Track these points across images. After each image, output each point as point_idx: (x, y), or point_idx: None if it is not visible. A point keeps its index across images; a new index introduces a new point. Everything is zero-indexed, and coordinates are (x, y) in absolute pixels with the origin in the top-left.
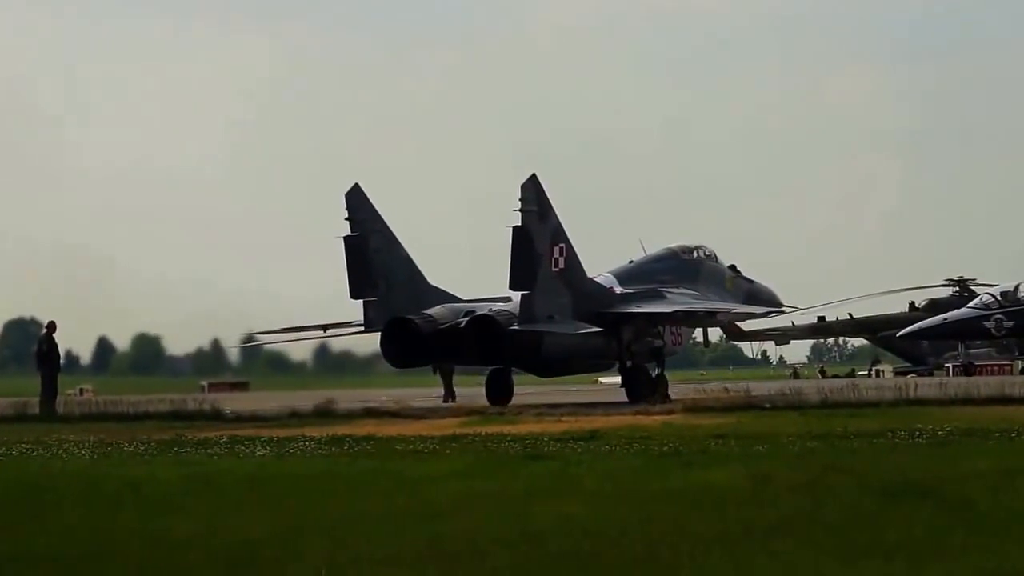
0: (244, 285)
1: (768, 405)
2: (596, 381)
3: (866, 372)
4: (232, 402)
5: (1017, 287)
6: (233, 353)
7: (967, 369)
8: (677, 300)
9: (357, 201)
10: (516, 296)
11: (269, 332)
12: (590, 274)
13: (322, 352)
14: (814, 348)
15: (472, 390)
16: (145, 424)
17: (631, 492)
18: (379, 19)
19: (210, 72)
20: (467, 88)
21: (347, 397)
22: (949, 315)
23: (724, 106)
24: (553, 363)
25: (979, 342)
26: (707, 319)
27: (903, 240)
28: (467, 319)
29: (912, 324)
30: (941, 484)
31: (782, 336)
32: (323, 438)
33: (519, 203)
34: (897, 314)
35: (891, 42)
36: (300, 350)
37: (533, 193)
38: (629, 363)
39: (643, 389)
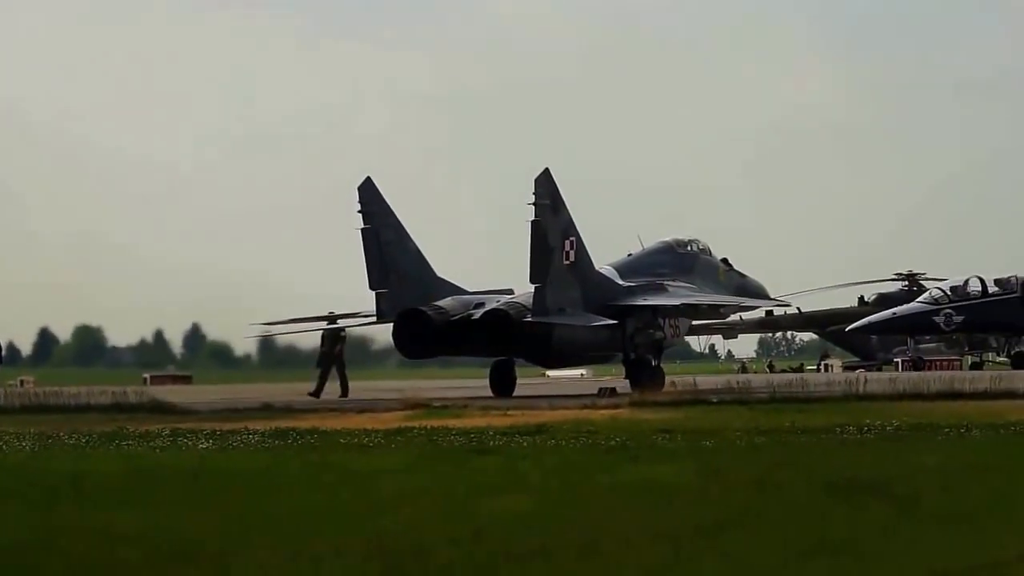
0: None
1: (716, 400)
2: (545, 375)
3: (815, 367)
4: (176, 395)
5: (967, 282)
6: (176, 345)
7: (916, 364)
8: (680, 293)
9: (369, 195)
10: (518, 288)
11: (276, 323)
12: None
13: (266, 346)
14: (762, 342)
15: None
16: (86, 416)
17: (577, 487)
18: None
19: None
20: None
21: (293, 391)
22: (898, 310)
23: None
24: (562, 355)
25: (928, 337)
26: (711, 312)
27: (852, 234)
28: (480, 311)
29: (861, 319)
30: (890, 480)
31: (730, 330)
32: (266, 431)
33: (533, 197)
34: (846, 308)
35: (842, 34)
36: (244, 344)
37: (546, 187)
38: (632, 355)
39: (647, 381)
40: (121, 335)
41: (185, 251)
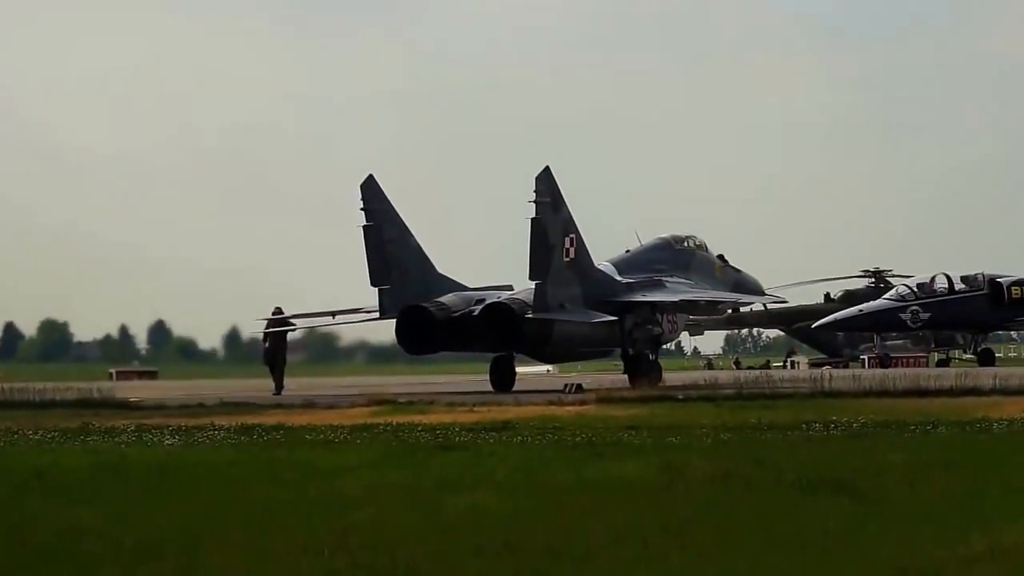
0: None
1: (682, 396)
2: None
3: (781, 363)
4: (142, 391)
5: (933, 279)
6: (141, 340)
7: (883, 361)
8: (678, 289)
9: (372, 192)
10: (518, 284)
11: (279, 318)
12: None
13: (232, 341)
14: (728, 339)
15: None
16: (52, 412)
17: (543, 483)
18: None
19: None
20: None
21: (259, 387)
22: (865, 306)
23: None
24: (562, 350)
25: (895, 334)
26: (709, 308)
27: (818, 230)
28: (481, 307)
29: (828, 315)
30: (856, 477)
31: (696, 326)
32: (232, 427)
33: (534, 195)
34: (812, 305)
35: (812, 30)
36: (209, 339)
37: (547, 185)
38: (631, 350)
39: (645, 376)
40: (87, 330)
41: (155, 247)
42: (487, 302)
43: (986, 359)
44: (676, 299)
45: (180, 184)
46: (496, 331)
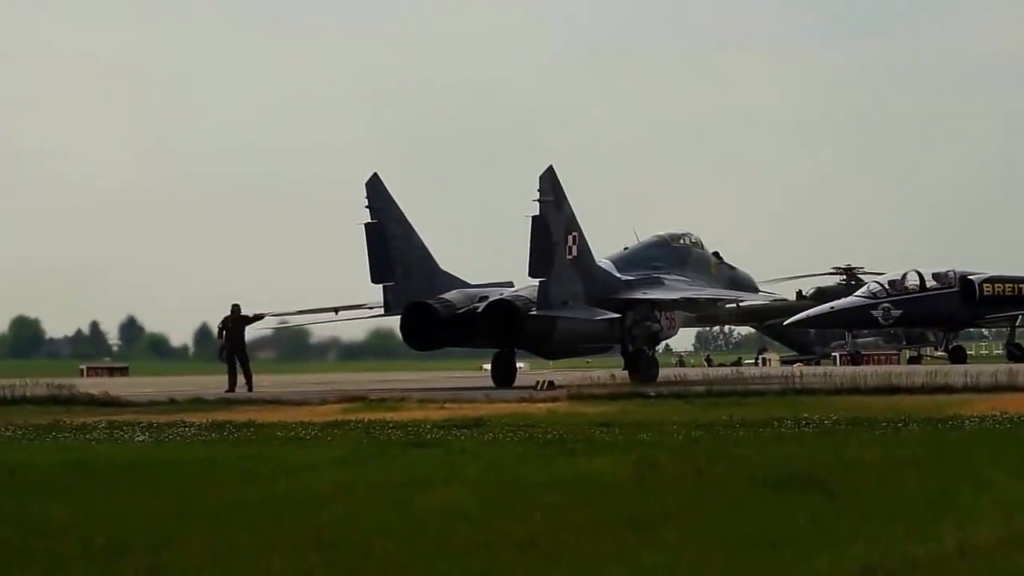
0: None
1: (653, 393)
2: (481, 368)
3: (753, 360)
4: (110, 388)
5: (905, 276)
6: (113, 337)
7: (854, 358)
8: (677, 287)
9: (376, 190)
10: (518, 281)
11: (282, 314)
12: None
13: (202, 338)
14: (700, 336)
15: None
16: (22, 409)
17: (514, 480)
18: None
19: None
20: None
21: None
22: (836, 303)
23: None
24: (564, 347)
25: (866, 331)
26: (708, 305)
27: (790, 228)
28: (485, 303)
29: (799, 313)
30: (827, 474)
31: (712, 320)
32: (203, 424)
33: (537, 193)
34: (784, 302)
35: (789, 27)
36: (180, 336)
37: (550, 184)
38: (631, 347)
39: (645, 372)
40: (58, 326)
41: (124, 243)
42: (491, 299)
43: (957, 356)
44: (677, 297)
45: (149, 183)
46: (500, 328)
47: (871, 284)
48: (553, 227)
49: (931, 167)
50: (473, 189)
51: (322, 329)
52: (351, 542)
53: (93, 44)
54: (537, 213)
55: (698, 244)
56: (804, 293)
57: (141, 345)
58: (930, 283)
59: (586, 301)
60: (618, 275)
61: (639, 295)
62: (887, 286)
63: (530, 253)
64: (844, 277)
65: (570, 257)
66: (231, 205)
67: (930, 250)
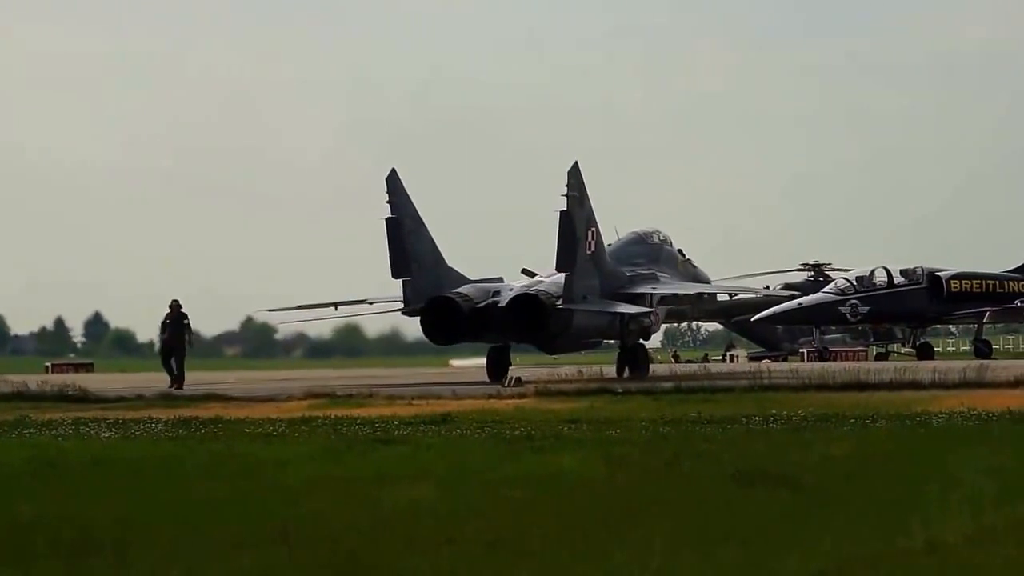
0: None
1: (621, 390)
2: (448, 364)
3: (720, 357)
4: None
5: (872, 272)
6: (77, 333)
7: (822, 354)
8: (671, 282)
9: (394, 185)
10: (507, 277)
11: (284, 309)
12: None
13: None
14: (667, 332)
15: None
16: None
17: (482, 477)
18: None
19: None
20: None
21: (195, 379)
22: (804, 300)
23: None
24: (579, 340)
25: (834, 327)
26: (709, 302)
27: (758, 224)
28: (506, 297)
29: (767, 309)
30: (795, 470)
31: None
32: (170, 420)
33: (565, 188)
34: (752, 298)
35: (761, 22)
36: (146, 332)
37: (576, 179)
38: (628, 341)
39: (644, 367)
40: (23, 323)
41: (91, 237)
42: (515, 293)
43: (925, 353)
44: (692, 292)
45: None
46: (525, 320)
47: (839, 280)
48: (577, 222)
49: (901, 164)
50: (460, 183)
51: (288, 326)
52: (318, 538)
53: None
54: (564, 208)
55: (667, 241)
56: (772, 289)
57: (107, 341)
58: (898, 279)
59: (600, 296)
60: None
61: (648, 290)
62: (855, 282)
63: (557, 248)
64: (812, 274)
65: (589, 252)
66: (200, 200)
67: (898, 246)
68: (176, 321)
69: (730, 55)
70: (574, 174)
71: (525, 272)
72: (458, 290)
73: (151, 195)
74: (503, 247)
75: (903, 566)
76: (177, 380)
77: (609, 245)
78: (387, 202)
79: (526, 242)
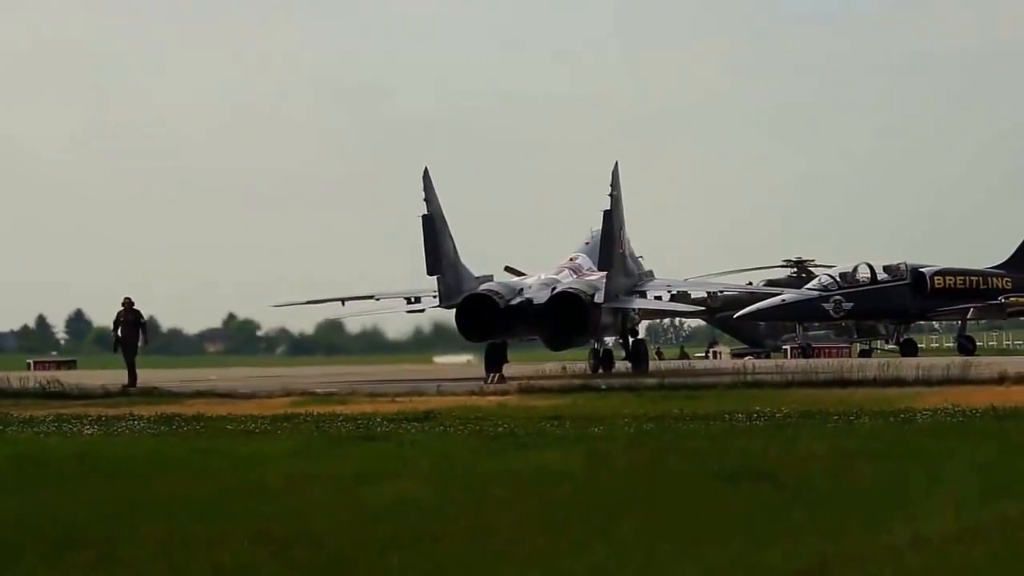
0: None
1: (604, 386)
2: (431, 360)
3: (703, 354)
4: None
5: (856, 268)
6: (59, 330)
7: (805, 351)
8: (666, 280)
9: (427, 183)
10: (497, 275)
11: (292, 304)
12: (563, 255)
13: (151, 331)
14: (650, 329)
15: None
16: None
17: (465, 473)
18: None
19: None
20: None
21: (177, 376)
22: (787, 296)
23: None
24: (602, 337)
25: (817, 324)
26: (713, 299)
27: (741, 220)
28: (551, 294)
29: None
30: (778, 467)
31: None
32: (152, 417)
33: (609, 187)
34: (735, 295)
35: (747, 19)
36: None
37: (616, 179)
38: (630, 336)
39: (645, 362)
40: (4, 321)
41: (70, 234)
42: (556, 290)
43: (908, 349)
44: (704, 293)
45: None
46: (563, 317)
47: (822, 277)
48: (615, 222)
49: (886, 160)
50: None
51: (271, 322)
52: (301, 535)
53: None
54: (608, 207)
55: (627, 240)
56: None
57: (88, 339)
58: (881, 276)
59: (625, 294)
60: (591, 267)
61: (663, 290)
62: (838, 279)
63: (600, 246)
64: (795, 270)
65: (620, 251)
66: (178, 199)
67: (881, 242)
68: (129, 319)
69: (715, 52)
70: (615, 174)
71: (508, 270)
72: (489, 287)
73: (134, 193)
74: (476, 245)
75: (888, 562)
76: (130, 379)
77: (587, 243)
78: (423, 200)
79: (505, 240)
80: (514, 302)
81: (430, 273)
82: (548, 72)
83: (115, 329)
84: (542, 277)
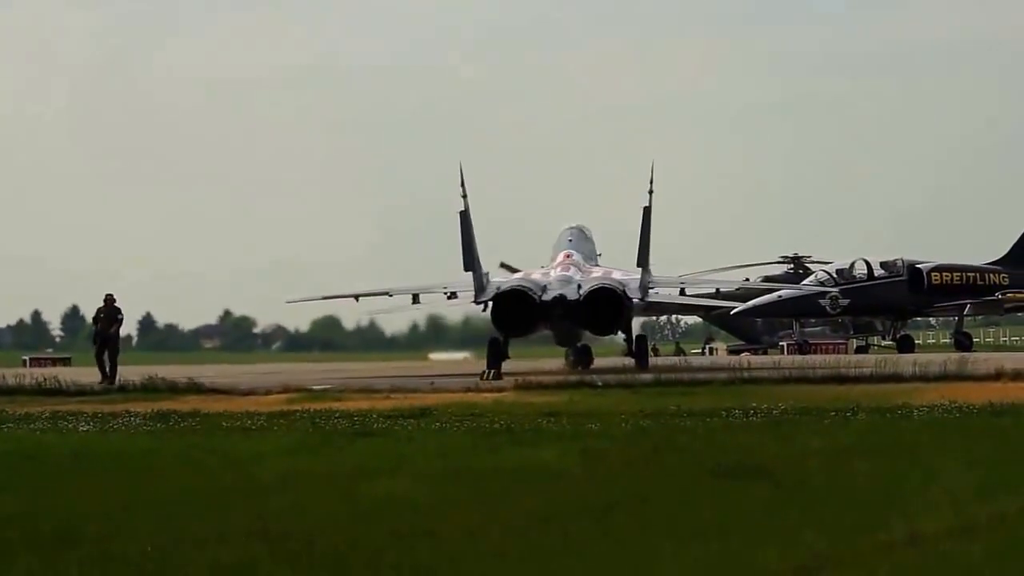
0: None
1: (600, 383)
2: (427, 357)
3: (699, 350)
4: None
5: (852, 265)
6: (55, 327)
7: (801, 347)
8: (674, 276)
9: (462, 178)
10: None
11: (309, 300)
12: (552, 253)
13: (147, 327)
14: (645, 325)
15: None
16: None
17: (462, 470)
18: None
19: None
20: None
21: (174, 373)
22: (784, 293)
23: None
24: (627, 330)
25: (813, 320)
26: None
27: (738, 216)
28: (588, 290)
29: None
30: (775, 463)
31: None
32: (148, 413)
33: (650, 184)
34: (731, 292)
35: (738, 10)
36: (124, 326)
37: (652, 177)
38: (632, 334)
39: (645, 357)
40: None
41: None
42: (594, 286)
43: (905, 346)
44: (710, 290)
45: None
46: (600, 313)
47: (819, 273)
48: (650, 219)
49: (881, 155)
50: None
51: (267, 318)
52: (298, 532)
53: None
54: (647, 204)
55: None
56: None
57: (84, 336)
58: (878, 272)
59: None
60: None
61: (677, 286)
62: (835, 275)
63: (640, 243)
64: (791, 266)
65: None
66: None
67: (878, 238)
68: (110, 316)
69: (703, 43)
70: (652, 171)
71: (504, 267)
72: (523, 283)
73: (132, 188)
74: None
75: (884, 559)
76: (110, 377)
77: (571, 241)
78: (462, 196)
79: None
80: (547, 297)
81: (466, 269)
82: (540, 67)
83: (95, 324)
84: (553, 274)
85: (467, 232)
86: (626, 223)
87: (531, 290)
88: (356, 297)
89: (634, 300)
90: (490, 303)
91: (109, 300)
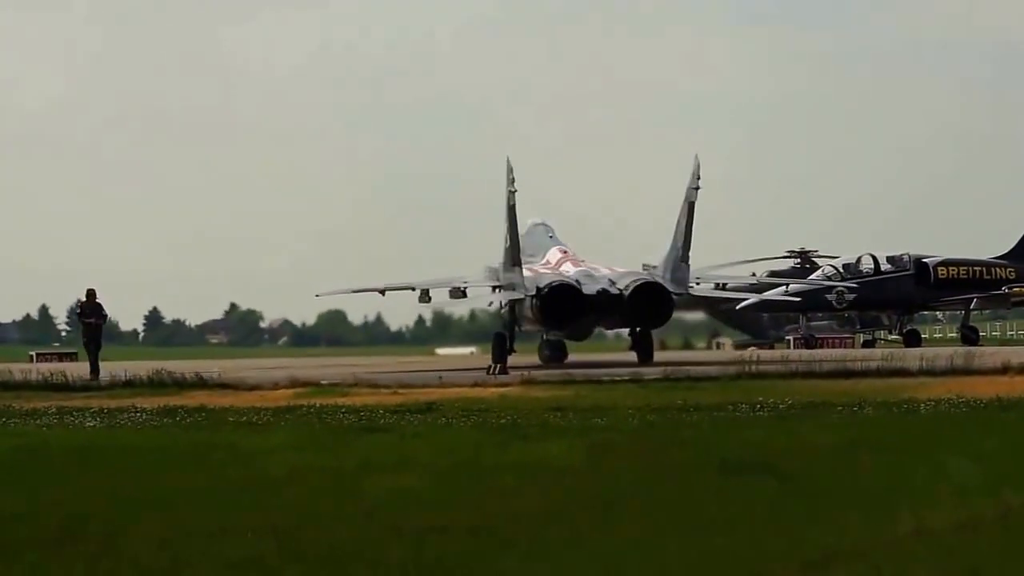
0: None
1: (607, 378)
2: (433, 352)
3: (705, 345)
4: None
5: (859, 259)
6: (60, 322)
7: (808, 342)
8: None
9: (511, 175)
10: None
11: (335, 293)
12: (544, 250)
13: (153, 322)
14: None
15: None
16: None
17: (468, 465)
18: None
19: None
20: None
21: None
22: (791, 287)
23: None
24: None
25: (820, 315)
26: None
27: (744, 211)
28: (634, 285)
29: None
30: (782, 458)
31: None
32: (155, 409)
33: (695, 180)
34: (738, 285)
35: (746, 6)
36: (130, 321)
37: (698, 172)
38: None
39: (651, 350)
40: (6, 311)
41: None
42: (638, 281)
43: (912, 340)
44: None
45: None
46: (646, 306)
47: (825, 267)
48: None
49: (888, 149)
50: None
51: (272, 313)
52: (303, 527)
53: None
54: (693, 200)
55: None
56: (758, 277)
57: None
58: (885, 266)
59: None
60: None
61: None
62: (841, 269)
63: (683, 238)
64: (798, 261)
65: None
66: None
67: (885, 233)
68: (95, 310)
69: (709, 39)
70: (696, 167)
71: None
72: (568, 279)
73: (134, 188)
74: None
75: (891, 553)
76: (94, 371)
77: (552, 237)
78: (512, 191)
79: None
80: (597, 292)
81: (513, 265)
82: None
83: (80, 318)
84: (573, 269)
85: (514, 228)
86: (653, 217)
87: (580, 284)
88: (382, 291)
89: (682, 293)
90: (534, 299)
91: (91, 295)
